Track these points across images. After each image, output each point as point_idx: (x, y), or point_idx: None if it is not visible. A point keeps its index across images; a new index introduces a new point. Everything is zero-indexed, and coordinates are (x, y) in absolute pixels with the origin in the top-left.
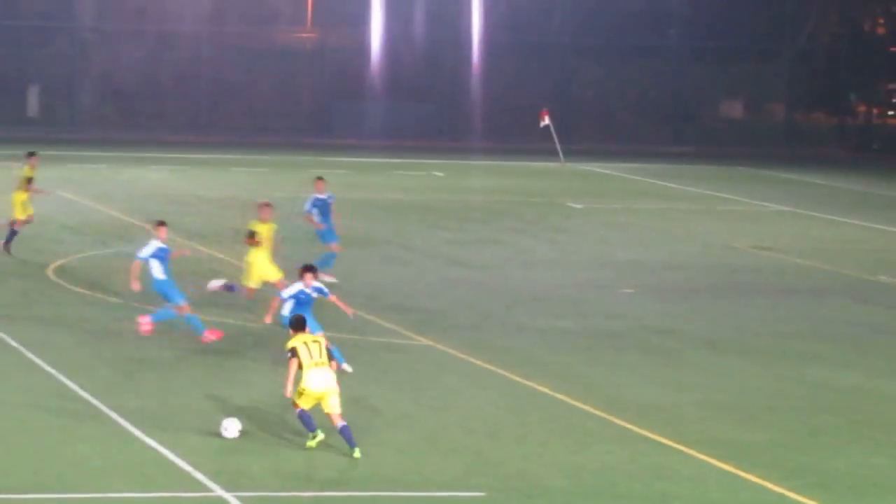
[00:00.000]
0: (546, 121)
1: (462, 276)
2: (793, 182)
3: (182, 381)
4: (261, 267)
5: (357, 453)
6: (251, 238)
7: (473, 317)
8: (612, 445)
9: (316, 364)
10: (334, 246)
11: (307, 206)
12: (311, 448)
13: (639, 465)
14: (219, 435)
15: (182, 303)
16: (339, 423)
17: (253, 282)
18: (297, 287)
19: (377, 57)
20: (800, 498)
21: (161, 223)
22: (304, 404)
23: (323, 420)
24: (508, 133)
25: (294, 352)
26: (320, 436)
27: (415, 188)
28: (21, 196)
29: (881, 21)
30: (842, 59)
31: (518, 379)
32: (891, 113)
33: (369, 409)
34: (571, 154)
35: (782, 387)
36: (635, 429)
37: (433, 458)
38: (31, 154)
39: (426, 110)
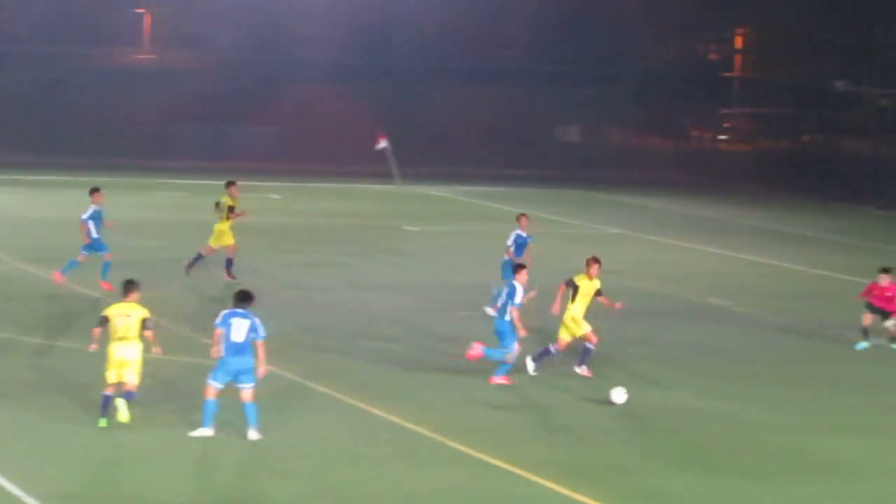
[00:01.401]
0: (383, 144)
1: (299, 298)
2: (629, 205)
3: None
4: (220, 232)
5: (122, 416)
6: (233, 213)
7: (310, 340)
8: (447, 468)
9: (121, 338)
10: (107, 255)
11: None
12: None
13: (472, 488)
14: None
15: None
16: (127, 389)
17: (213, 243)
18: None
19: (216, 79)
20: None
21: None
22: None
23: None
24: (347, 156)
25: (105, 320)
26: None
27: (252, 211)
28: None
29: (714, 48)
30: (676, 85)
31: (353, 402)
32: (723, 137)
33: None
34: (410, 177)
35: (616, 409)
36: (470, 451)
37: (268, 480)
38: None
39: (265, 132)
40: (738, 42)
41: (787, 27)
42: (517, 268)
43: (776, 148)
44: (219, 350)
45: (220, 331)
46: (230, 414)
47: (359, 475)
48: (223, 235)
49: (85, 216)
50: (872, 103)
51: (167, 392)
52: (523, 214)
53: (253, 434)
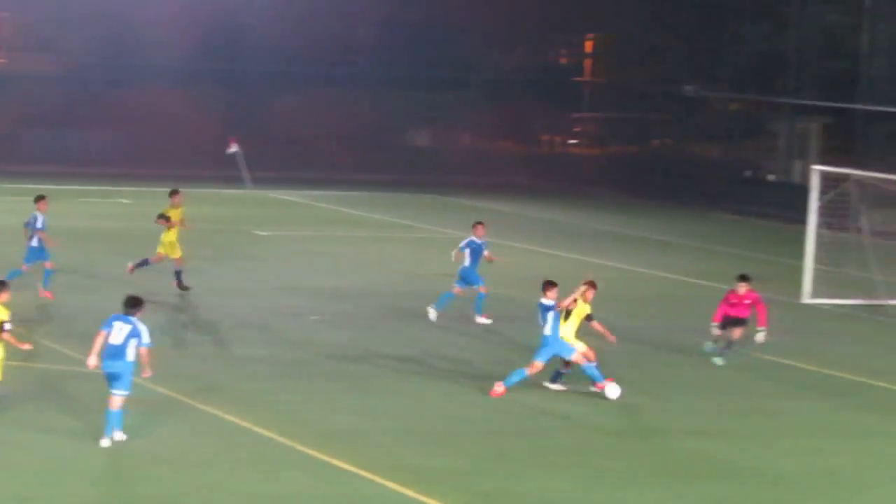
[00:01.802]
0: (234, 148)
1: (151, 303)
2: (480, 210)
3: None
4: (169, 243)
5: None
6: (163, 220)
7: (161, 345)
8: (298, 473)
9: None
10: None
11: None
12: None
13: (324, 493)
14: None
15: None
16: None
17: (163, 252)
18: None
19: (65, 83)
20: None
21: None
22: None
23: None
24: (198, 160)
25: None
26: None
27: (101, 215)
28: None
29: (565, 52)
30: (527, 89)
31: (205, 407)
32: (573, 141)
33: (54, 434)
34: (261, 182)
35: (466, 412)
36: (321, 456)
37: (117, 487)
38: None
39: (115, 137)
40: (589, 47)
41: (637, 32)
42: (546, 285)
43: (626, 152)
44: (96, 357)
45: (102, 333)
46: (81, 422)
47: (207, 481)
48: (172, 247)
49: (38, 225)
50: (721, 108)
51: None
52: (479, 223)
53: (106, 441)
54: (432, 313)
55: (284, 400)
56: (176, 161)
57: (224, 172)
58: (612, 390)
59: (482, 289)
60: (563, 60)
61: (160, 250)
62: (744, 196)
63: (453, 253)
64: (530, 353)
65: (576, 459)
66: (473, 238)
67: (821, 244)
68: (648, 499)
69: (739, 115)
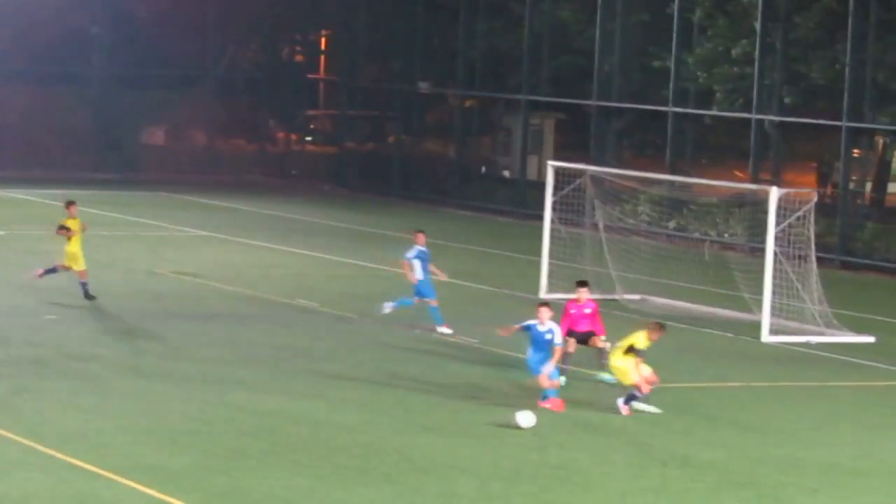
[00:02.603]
0: None
1: None
2: (213, 207)
3: None
4: (72, 254)
5: None
6: (63, 230)
7: None
8: (35, 473)
9: None
10: None
11: None
12: None
13: (61, 493)
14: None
15: None
16: None
17: (67, 263)
18: None
19: None
20: None
21: None
22: None
23: None
24: None
25: None
26: None
27: None
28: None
29: (299, 49)
30: (261, 86)
31: None
32: (309, 139)
33: None
34: None
35: (205, 411)
36: (59, 455)
37: None
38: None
39: None
40: (323, 44)
41: (371, 28)
42: (541, 307)
43: (362, 149)
44: None
45: None
46: None
47: None
48: (75, 258)
49: None
50: (456, 104)
51: None
52: (420, 231)
53: None
54: (387, 307)
55: (19, 400)
56: None
57: None
58: (526, 419)
59: (433, 302)
60: (299, 58)
61: (65, 262)
62: (480, 192)
63: (402, 264)
64: (274, 352)
65: (317, 457)
66: (419, 247)
67: (556, 239)
68: (386, 493)
69: (474, 112)
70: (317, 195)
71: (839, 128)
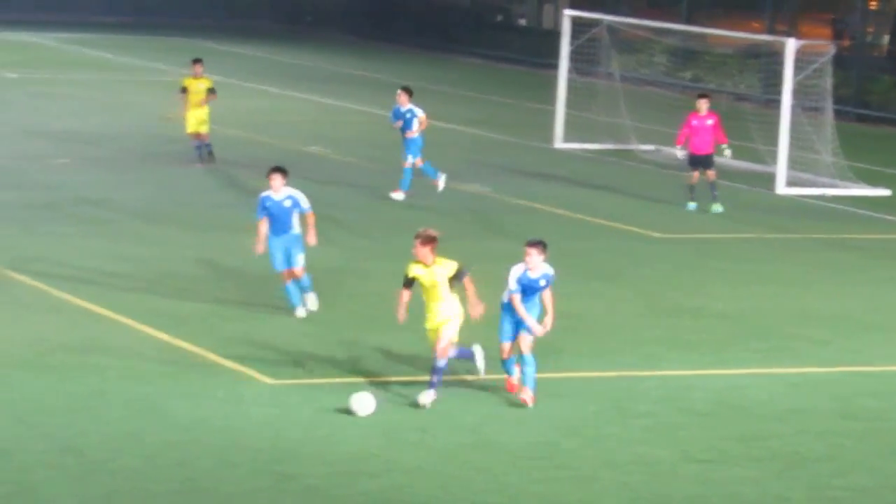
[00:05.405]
0: None
1: None
2: (227, 53)
3: None
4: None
5: None
6: (183, 92)
7: None
8: (48, 316)
9: None
10: None
11: None
12: None
13: (74, 335)
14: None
15: None
16: None
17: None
18: None
19: None
20: (233, 365)
21: None
22: None
23: None
24: None
25: None
26: None
27: None
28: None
29: None
30: None
31: None
32: None
33: None
34: (6, 24)
35: (216, 257)
36: (71, 299)
37: None
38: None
39: None
40: None
41: None
42: (529, 246)
43: None
44: None
45: None
46: None
47: None
48: (199, 121)
49: None
50: None
51: None
52: (404, 89)
53: None
54: (399, 195)
55: (33, 243)
56: None
57: None
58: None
59: (406, 163)
60: None
61: (190, 129)
62: (494, 41)
63: (394, 125)
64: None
65: (328, 304)
66: (400, 106)
67: (571, 89)
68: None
69: None
70: (326, 42)
71: None
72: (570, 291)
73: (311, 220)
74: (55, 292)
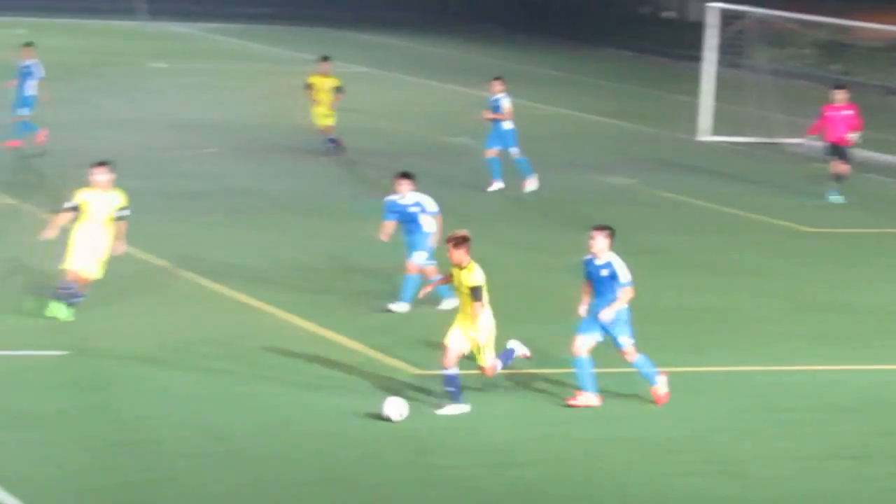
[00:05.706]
0: None
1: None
2: (373, 44)
3: None
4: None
5: None
6: (307, 89)
7: (53, 176)
8: (199, 306)
9: None
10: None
11: None
12: None
13: (220, 326)
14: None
15: None
16: None
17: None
18: None
19: None
20: (378, 355)
21: None
22: None
23: None
24: None
25: None
26: None
27: None
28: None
29: None
30: None
31: None
32: None
33: None
34: (155, 14)
35: (356, 248)
36: (219, 288)
37: (10, 321)
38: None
39: None
40: None
41: None
42: (594, 231)
43: None
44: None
45: None
46: None
47: (110, 312)
48: (321, 116)
49: None
50: None
51: None
52: (497, 78)
53: None
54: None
55: (179, 232)
56: None
57: (118, 4)
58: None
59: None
60: None
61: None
62: (639, 33)
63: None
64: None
65: None
66: (494, 95)
67: (718, 82)
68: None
69: None
70: (470, 33)
71: None
72: (717, 286)
73: (438, 222)
74: (204, 281)
